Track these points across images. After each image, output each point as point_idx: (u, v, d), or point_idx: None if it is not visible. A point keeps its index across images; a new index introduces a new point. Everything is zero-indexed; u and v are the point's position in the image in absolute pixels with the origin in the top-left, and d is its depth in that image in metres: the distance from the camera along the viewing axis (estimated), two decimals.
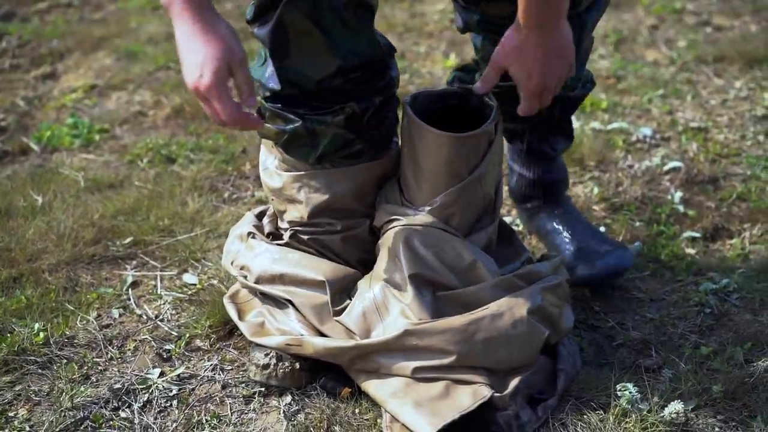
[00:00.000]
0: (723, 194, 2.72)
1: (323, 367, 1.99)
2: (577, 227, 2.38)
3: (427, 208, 1.96)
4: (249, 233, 2.14)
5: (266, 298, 2.06)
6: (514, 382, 1.89)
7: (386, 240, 1.99)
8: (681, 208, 2.65)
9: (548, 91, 1.93)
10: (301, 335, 1.97)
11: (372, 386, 1.92)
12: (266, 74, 1.93)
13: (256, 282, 2.06)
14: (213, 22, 1.70)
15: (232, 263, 2.13)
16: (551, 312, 1.97)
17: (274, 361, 1.98)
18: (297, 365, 1.98)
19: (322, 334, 1.98)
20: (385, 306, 1.94)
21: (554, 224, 2.39)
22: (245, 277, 2.08)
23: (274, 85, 1.92)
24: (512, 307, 1.91)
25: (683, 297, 2.29)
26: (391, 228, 1.98)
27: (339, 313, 1.99)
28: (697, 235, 2.54)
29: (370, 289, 1.97)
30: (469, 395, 1.84)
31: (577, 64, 2.09)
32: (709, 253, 2.48)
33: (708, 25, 3.95)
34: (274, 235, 2.12)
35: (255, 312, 2.07)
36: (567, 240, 2.34)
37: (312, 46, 1.86)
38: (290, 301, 2.02)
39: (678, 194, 2.71)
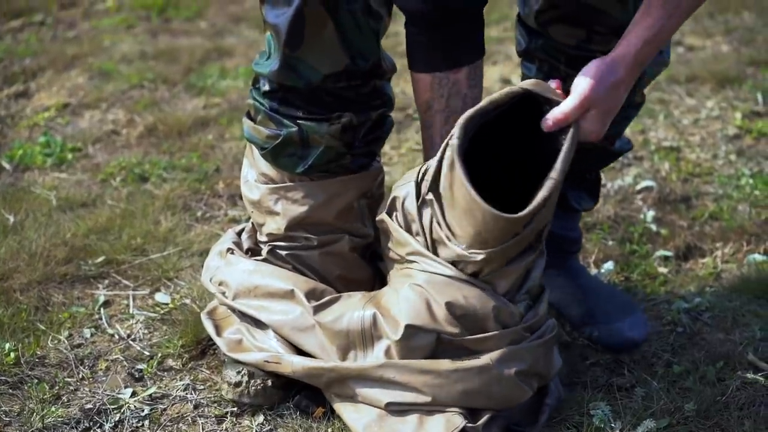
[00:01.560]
0: (695, 213, 2.74)
1: (296, 384, 1.98)
2: (589, 285, 2.31)
3: (460, 261, 1.83)
4: (228, 249, 2.13)
5: (244, 316, 2.04)
6: (488, 413, 1.86)
7: (398, 278, 1.91)
8: (654, 227, 2.66)
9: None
10: (279, 353, 1.96)
11: (346, 413, 1.90)
12: (271, 67, 1.91)
13: (234, 298, 2.05)
14: None
15: (210, 280, 2.12)
16: (541, 368, 1.89)
17: (246, 378, 1.98)
18: (269, 382, 1.97)
19: (299, 351, 1.96)
20: (371, 337, 1.89)
21: (563, 279, 2.30)
22: (223, 293, 2.08)
23: (279, 78, 1.90)
24: (503, 363, 1.83)
25: (656, 316, 2.30)
26: (407, 267, 1.90)
27: (320, 309, 1.95)
28: (670, 254, 2.55)
29: (362, 309, 1.91)
30: (442, 425, 1.82)
31: (624, 118, 2.10)
32: (682, 272, 2.49)
33: (680, 46, 3.98)
34: (253, 251, 2.11)
35: (233, 329, 2.06)
36: (578, 299, 2.28)
37: (326, 39, 1.85)
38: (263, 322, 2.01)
39: (650, 213, 2.72)
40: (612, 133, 2.11)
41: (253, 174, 2.06)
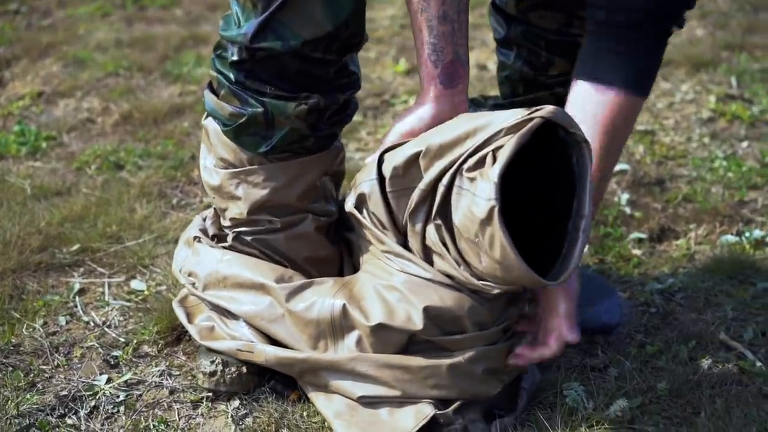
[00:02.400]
0: (669, 196, 2.75)
1: (271, 369, 1.99)
2: None
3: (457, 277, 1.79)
4: (195, 237, 2.13)
5: (215, 306, 2.04)
6: (459, 400, 1.86)
7: (374, 269, 1.90)
8: (628, 210, 2.68)
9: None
10: (252, 342, 1.96)
11: (319, 401, 1.91)
12: (246, 30, 1.84)
13: (204, 289, 2.05)
14: None
15: (180, 270, 2.12)
16: (513, 366, 1.90)
17: (221, 367, 1.98)
18: (244, 369, 1.98)
19: (271, 340, 1.97)
20: (341, 327, 1.88)
21: None
22: (193, 284, 2.07)
23: (254, 42, 1.83)
24: (474, 361, 1.83)
25: (629, 297, 2.31)
26: (384, 262, 1.88)
27: (292, 296, 1.94)
28: (644, 236, 2.56)
29: (332, 297, 1.89)
30: (412, 416, 1.83)
31: None
32: (656, 253, 2.51)
33: None
34: (219, 237, 2.11)
35: (205, 316, 2.06)
36: None
37: (310, 3, 1.80)
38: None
39: (625, 196, 2.73)
40: None
41: (211, 159, 2.03)
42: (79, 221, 2.60)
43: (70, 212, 2.64)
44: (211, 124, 2.00)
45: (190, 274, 2.08)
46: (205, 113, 2.01)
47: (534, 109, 1.64)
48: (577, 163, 1.68)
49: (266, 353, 1.93)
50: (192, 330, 2.04)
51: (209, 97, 1.97)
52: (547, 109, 1.63)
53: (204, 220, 2.17)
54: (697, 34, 3.94)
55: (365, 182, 1.86)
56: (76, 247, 2.49)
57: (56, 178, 2.88)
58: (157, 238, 2.54)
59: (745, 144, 3.06)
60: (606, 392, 1.95)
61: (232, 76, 1.90)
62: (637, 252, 2.50)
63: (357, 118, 3.17)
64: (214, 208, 2.12)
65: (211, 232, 2.12)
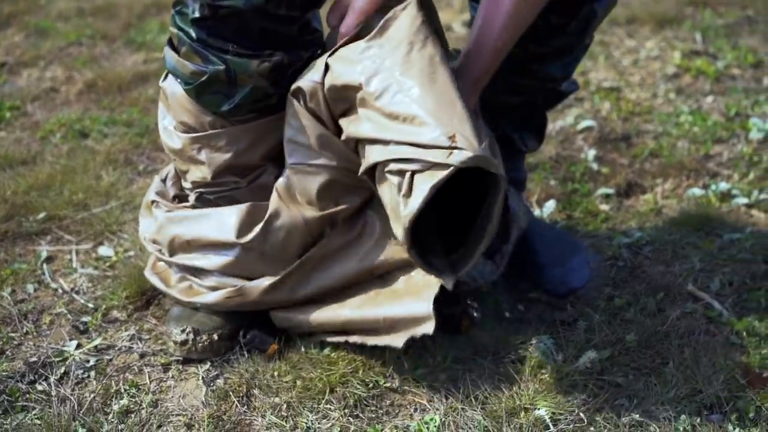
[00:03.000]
0: (635, 151, 2.76)
1: (241, 333, 1.99)
2: (534, 229, 2.31)
3: None
4: (153, 202, 2.10)
5: (185, 268, 2.04)
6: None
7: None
8: (595, 166, 2.68)
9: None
10: (237, 285, 1.96)
11: (328, 313, 1.93)
12: None
13: (171, 254, 2.04)
14: None
15: (144, 238, 2.11)
16: None
17: (192, 336, 1.97)
18: (215, 336, 1.98)
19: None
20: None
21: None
22: (159, 251, 2.06)
23: None
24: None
25: (597, 251, 2.32)
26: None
27: (261, 237, 1.95)
28: (611, 191, 2.57)
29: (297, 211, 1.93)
30: (428, 283, 1.87)
31: (573, 60, 2.11)
32: (623, 208, 2.52)
33: None
34: (180, 198, 2.09)
35: (177, 277, 2.06)
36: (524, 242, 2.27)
37: None
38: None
39: (592, 152, 2.74)
40: (563, 74, 2.13)
41: (171, 120, 1.99)
42: (45, 190, 2.58)
43: (36, 181, 2.62)
44: (170, 87, 1.95)
45: (154, 241, 2.07)
46: (165, 72, 1.97)
47: (454, 147, 1.64)
48: (491, 192, 1.73)
49: (258, 287, 1.93)
50: (173, 292, 2.03)
51: (170, 55, 1.91)
52: (465, 157, 1.62)
53: (163, 181, 2.14)
54: None
55: (308, 81, 1.83)
56: (42, 215, 2.47)
57: (21, 148, 2.86)
58: (124, 205, 2.52)
59: (710, 99, 3.07)
60: (575, 345, 1.96)
61: (193, 33, 1.85)
62: (604, 207, 2.51)
63: None
64: (175, 168, 2.10)
65: (171, 193, 2.09)
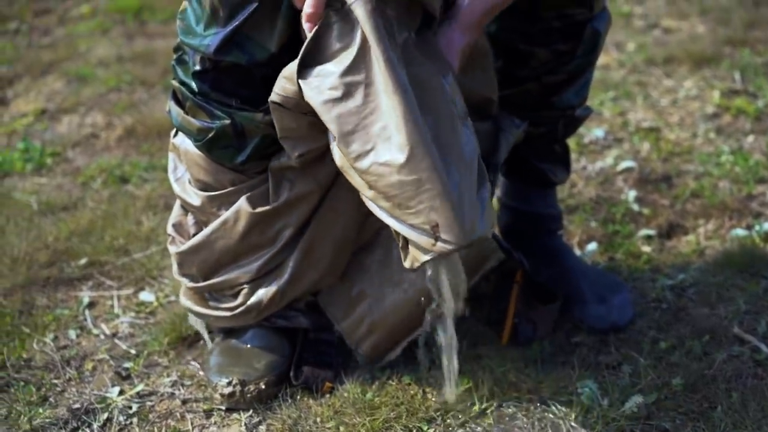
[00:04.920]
0: (677, 192, 2.74)
1: (292, 374, 2.00)
2: (577, 266, 2.30)
3: None
4: (168, 236, 2.09)
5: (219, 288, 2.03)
6: None
7: None
8: (636, 207, 2.67)
9: None
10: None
11: None
12: (209, 43, 1.75)
13: (205, 279, 2.02)
14: None
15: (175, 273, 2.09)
16: None
17: (239, 388, 1.96)
18: (262, 385, 1.97)
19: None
20: None
21: (550, 260, 2.30)
22: (192, 278, 2.05)
23: (218, 56, 1.75)
24: None
25: (640, 294, 2.30)
26: None
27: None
28: (653, 232, 2.55)
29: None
30: None
31: (586, 81, 2.14)
32: (665, 250, 2.50)
33: (656, 28, 3.99)
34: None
35: (215, 301, 2.05)
36: (566, 280, 2.27)
37: (276, 14, 1.72)
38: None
39: (632, 193, 2.72)
40: (579, 99, 2.15)
41: (184, 173, 1.98)
42: (86, 235, 2.60)
43: (77, 226, 2.63)
44: (182, 144, 1.94)
45: (183, 275, 2.06)
46: (174, 129, 1.97)
47: (437, 238, 1.62)
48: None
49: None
50: (216, 313, 2.03)
51: (175, 111, 1.89)
52: (448, 249, 1.61)
53: (183, 209, 2.09)
54: (699, 31, 3.93)
55: (281, 95, 1.73)
56: (84, 260, 2.49)
57: (62, 193, 2.88)
58: (164, 250, 2.53)
59: (751, 138, 3.04)
60: (621, 389, 1.94)
61: (194, 86, 1.82)
62: (646, 249, 2.49)
63: None
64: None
65: (192, 231, 2.05)
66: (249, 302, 1.99)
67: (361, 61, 1.64)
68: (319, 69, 1.67)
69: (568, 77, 2.10)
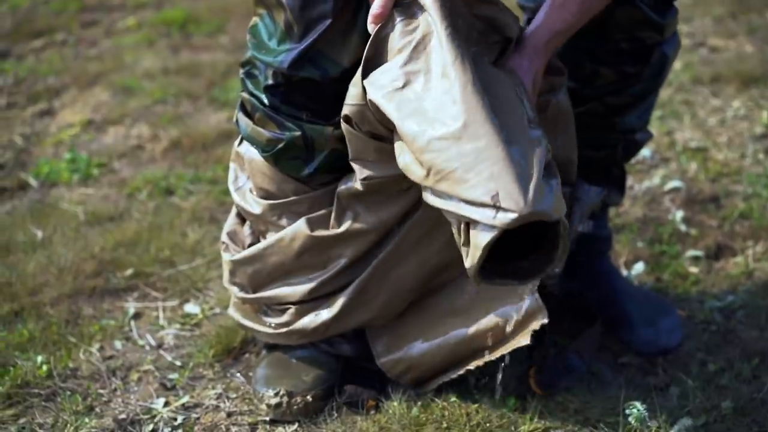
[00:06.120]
0: (725, 213, 2.72)
1: (337, 390, 1.99)
2: (624, 288, 2.29)
3: None
4: (222, 243, 2.09)
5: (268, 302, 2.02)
6: None
7: None
8: (683, 228, 2.64)
9: None
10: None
11: (434, 327, 1.94)
12: (284, 59, 1.77)
13: (255, 291, 2.02)
14: None
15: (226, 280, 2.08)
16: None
17: (285, 399, 1.95)
18: (309, 398, 1.96)
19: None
20: None
21: (597, 281, 2.29)
22: (242, 289, 2.04)
23: (292, 70, 1.78)
24: None
25: (689, 315, 2.28)
26: None
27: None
28: (700, 254, 2.53)
29: None
30: None
31: (650, 105, 2.13)
32: (713, 271, 2.47)
33: (703, 47, 3.96)
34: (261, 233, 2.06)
35: (264, 314, 2.05)
36: (613, 302, 2.26)
37: (351, 29, 1.75)
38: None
39: (679, 214, 2.70)
40: (641, 123, 2.13)
41: (245, 182, 1.99)
42: (132, 246, 2.61)
43: (123, 237, 2.65)
44: (247, 152, 1.95)
45: (233, 284, 2.06)
46: (240, 137, 1.97)
47: (498, 207, 1.54)
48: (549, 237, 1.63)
49: (339, 297, 1.95)
50: (264, 329, 2.03)
51: (243, 121, 1.91)
52: (509, 219, 1.53)
53: (239, 218, 2.10)
54: (747, 50, 3.89)
55: (353, 106, 1.74)
56: (129, 271, 2.49)
57: (108, 204, 2.90)
58: (210, 262, 2.53)
59: None
60: (669, 411, 1.91)
61: (265, 99, 1.84)
62: (694, 270, 2.47)
63: None
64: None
65: (248, 241, 2.06)
66: (294, 325, 1.98)
67: (421, 51, 1.66)
68: (381, 68, 1.69)
69: (633, 100, 2.08)
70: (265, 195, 1.96)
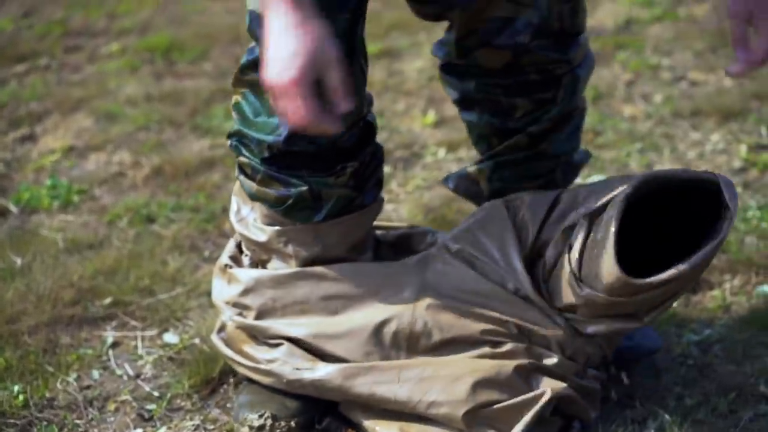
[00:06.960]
0: None
1: (317, 420, 1.99)
2: None
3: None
4: (226, 265, 2.10)
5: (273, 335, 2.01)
6: None
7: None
8: None
9: None
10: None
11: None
12: (276, 136, 1.81)
13: (258, 317, 2.01)
14: (309, 18, 1.56)
15: (224, 300, 2.08)
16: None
17: (270, 422, 1.95)
18: (293, 423, 1.96)
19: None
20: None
21: None
22: (240, 313, 2.03)
23: (287, 146, 1.82)
24: None
25: (666, 349, 2.28)
26: None
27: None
28: None
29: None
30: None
31: (576, 127, 2.15)
32: (691, 305, 2.48)
33: (683, 80, 3.99)
34: (262, 262, 2.07)
35: (262, 346, 2.03)
36: None
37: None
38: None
39: None
40: (572, 145, 2.17)
41: (248, 212, 2.01)
42: (111, 274, 2.60)
43: (103, 265, 2.64)
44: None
45: (234, 304, 2.05)
46: (238, 167, 1.98)
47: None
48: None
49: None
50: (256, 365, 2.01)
51: (248, 184, 1.94)
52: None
53: (239, 248, 2.12)
54: (725, 84, 3.93)
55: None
56: (108, 300, 2.49)
57: (88, 232, 2.89)
58: (190, 291, 2.53)
59: None
60: None
61: (262, 167, 1.89)
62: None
63: (387, 170, 3.17)
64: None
65: (247, 263, 2.08)
66: (280, 368, 1.97)
67: None
68: None
69: (553, 124, 2.11)
70: (272, 222, 1.97)
